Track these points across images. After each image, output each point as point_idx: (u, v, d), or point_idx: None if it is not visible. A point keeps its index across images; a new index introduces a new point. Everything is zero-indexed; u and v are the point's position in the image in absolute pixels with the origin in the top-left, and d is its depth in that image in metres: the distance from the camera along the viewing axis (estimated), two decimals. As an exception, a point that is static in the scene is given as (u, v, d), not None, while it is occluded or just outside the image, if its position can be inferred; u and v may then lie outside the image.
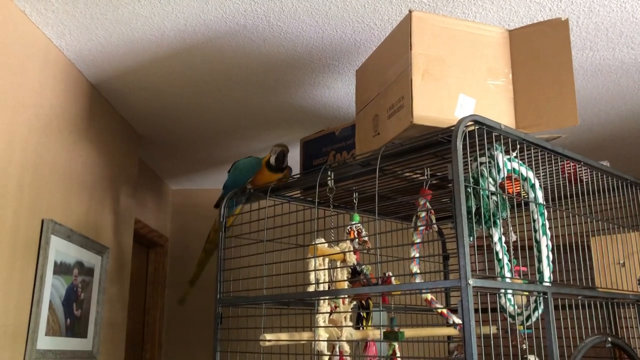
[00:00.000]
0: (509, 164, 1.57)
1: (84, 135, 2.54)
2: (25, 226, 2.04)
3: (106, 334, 2.72)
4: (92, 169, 2.62)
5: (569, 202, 1.86)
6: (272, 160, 2.24)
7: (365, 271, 1.84)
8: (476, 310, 1.33)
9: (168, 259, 4.21)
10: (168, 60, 2.37)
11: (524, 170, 1.62)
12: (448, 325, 2.06)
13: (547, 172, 1.83)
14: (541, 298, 1.54)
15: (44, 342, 2.12)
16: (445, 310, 1.65)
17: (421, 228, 1.68)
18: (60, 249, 2.26)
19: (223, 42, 2.22)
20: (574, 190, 1.87)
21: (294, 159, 3.28)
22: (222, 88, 2.63)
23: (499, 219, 1.53)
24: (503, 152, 1.55)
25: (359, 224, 1.90)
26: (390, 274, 1.82)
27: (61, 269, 2.26)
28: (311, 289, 1.78)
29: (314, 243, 1.79)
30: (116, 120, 2.89)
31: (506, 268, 1.54)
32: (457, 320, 1.58)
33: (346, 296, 1.81)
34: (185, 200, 4.35)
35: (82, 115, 2.51)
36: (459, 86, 1.62)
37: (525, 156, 1.65)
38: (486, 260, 1.45)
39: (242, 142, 3.31)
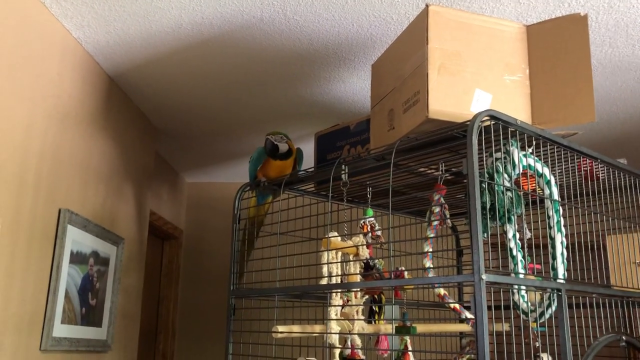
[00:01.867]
0: (524, 160, 1.56)
1: (102, 127, 2.56)
2: (43, 215, 2.07)
3: (120, 324, 2.75)
4: (109, 160, 2.65)
5: (585, 200, 1.84)
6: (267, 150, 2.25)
7: (378, 265, 1.84)
8: (489, 307, 1.33)
9: (182, 251, 4.24)
10: (185, 53, 2.38)
11: (539, 166, 1.61)
12: (460, 320, 2.05)
13: (563, 169, 1.81)
14: (555, 295, 1.53)
15: (60, 330, 2.15)
16: (457, 306, 1.65)
17: (435, 223, 1.68)
18: (77, 239, 2.29)
19: (239, 35, 2.23)
20: (590, 187, 1.85)
21: (307, 153, 3.28)
22: (237, 81, 2.64)
23: (513, 215, 1.52)
24: (519, 147, 1.54)
25: (372, 219, 1.89)
26: (403, 269, 1.82)
27: (77, 258, 2.29)
28: (324, 282, 1.78)
29: (327, 236, 1.80)
30: (133, 113, 2.92)
31: (520, 265, 1.53)
32: (470, 316, 1.58)
33: (358, 290, 1.81)
34: (200, 193, 4.37)
35: (100, 107, 2.54)
36: (475, 81, 1.61)
37: (541, 152, 1.63)
38: (500, 257, 1.44)
39: (257, 136, 3.32)
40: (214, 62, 2.46)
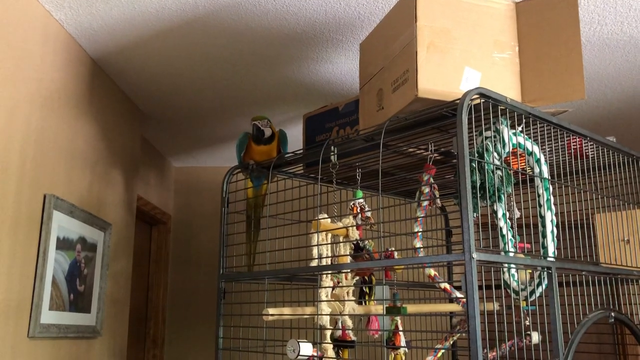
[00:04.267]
0: (514, 138, 1.55)
1: (86, 111, 2.52)
2: (28, 201, 2.04)
3: (110, 310, 2.73)
4: (94, 144, 2.61)
5: (574, 178, 1.84)
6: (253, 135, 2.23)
7: (368, 247, 1.84)
8: (479, 287, 1.33)
9: (171, 236, 4.22)
10: (169, 35, 2.34)
11: (529, 144, 1.60)
12: (450, 300, 2.06)
13: (553, 148, 1.81)
14: (545, 273, 1.54)
15: (48, 316, 2.13)
16: (448, 286, 1.65)
17: (425, 203, 1.67)
18: (63, 224, 2.26)
19: (224, 15, 2.19)
20: (579, 166, 1.85)
21: (295, 136, 3.26)
22: (223, 63, 2.60)
23: (503, 194, 1.51)
24: (509, 126, 1.53)
25: (362, 200, 1.88)
26: (393, 249, 1.82)
27: (64, 244, 2.26)
28: (314, 264, 1.77)
29: (317, 218, 1.79)
30: (118, 97, 2.87)
31: (510, 244, 1.53)
32: (461, 296, 1.58)
33: (349, 271, 1.80)
34: (187, 177, 4.34)
35: (84, 90, 2.49)
36: (465, 59, 1.59)
37: (531, 131, 1.63)
38: (491, 236, 1.44)
39: (244, 119, 3.29)
40: (199, 44, 2.42)
